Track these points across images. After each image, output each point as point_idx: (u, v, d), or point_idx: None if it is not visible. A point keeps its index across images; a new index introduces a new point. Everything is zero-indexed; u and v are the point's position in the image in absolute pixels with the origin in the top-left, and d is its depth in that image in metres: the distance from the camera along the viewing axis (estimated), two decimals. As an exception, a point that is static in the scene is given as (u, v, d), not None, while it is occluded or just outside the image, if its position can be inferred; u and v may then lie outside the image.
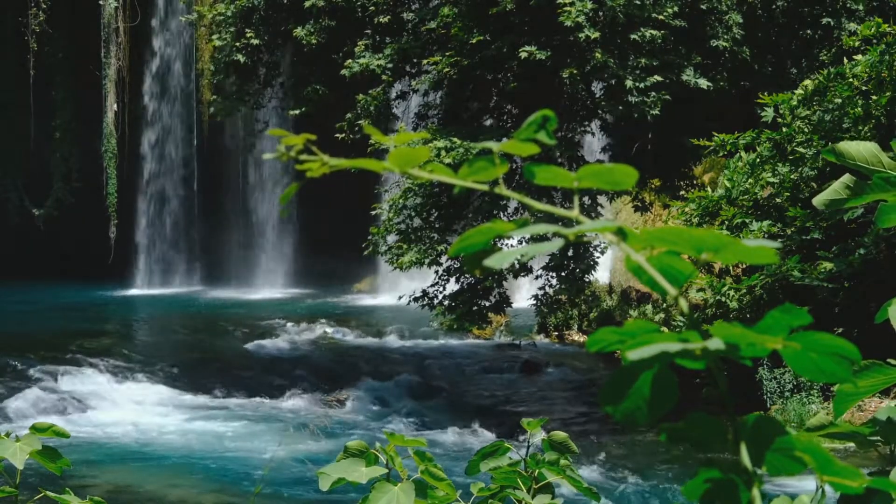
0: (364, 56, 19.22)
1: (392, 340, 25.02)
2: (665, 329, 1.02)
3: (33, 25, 35.57)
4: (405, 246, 18.09)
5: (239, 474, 14.34)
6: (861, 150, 1.71)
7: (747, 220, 14.99)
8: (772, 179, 15.20)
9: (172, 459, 15.34)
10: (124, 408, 18.38)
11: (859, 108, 14.75)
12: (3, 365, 20.15)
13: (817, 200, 1.76)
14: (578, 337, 25.13)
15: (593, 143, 22.92)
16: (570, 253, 18.79)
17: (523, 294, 24.97)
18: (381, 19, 19.79)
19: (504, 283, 19.21)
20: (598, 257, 19.15)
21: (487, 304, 18.94)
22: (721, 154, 16.42)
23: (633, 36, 17.22)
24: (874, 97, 14.73)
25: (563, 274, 19.10)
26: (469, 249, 1.01)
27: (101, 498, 2.52)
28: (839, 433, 1.59)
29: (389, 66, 19.11)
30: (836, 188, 1.71)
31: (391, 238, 18.59)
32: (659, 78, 17.12)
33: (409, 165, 1.04)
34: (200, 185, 37.54)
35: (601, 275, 23.64)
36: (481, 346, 24.62)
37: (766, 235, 14.77)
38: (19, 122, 36.75)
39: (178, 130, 37.38)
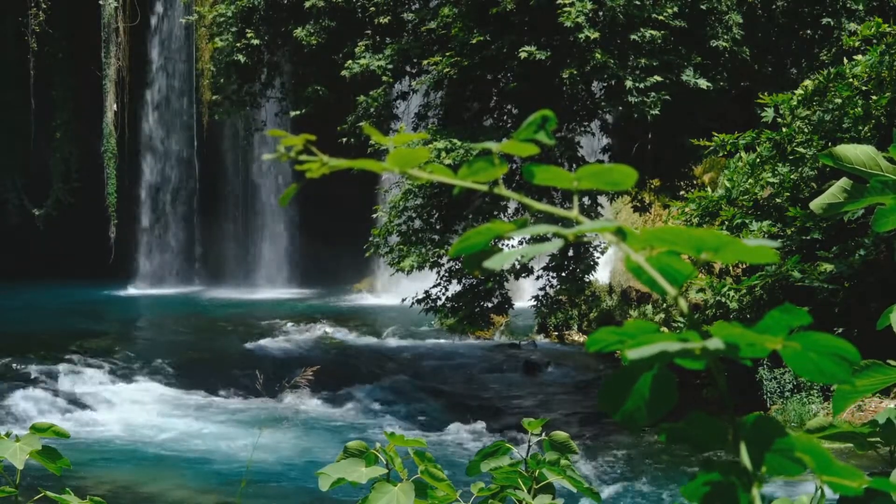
0: (364, 56, 19.22)
1: (392, 340, 25.02)
2: (665, 329, 1.02)
3: (33, 25, 35.57)
4: (405, 248, 18.09)
5: (238, 474, 14.34)
6: (859, 153, 1.71)
7: (747, 221, 14.99)
8: (772, 179, 15.20)
9: (172, 459, 15.34)
10: (124, 408, 18.38)
11: (859, 109, 14.74)
12: (3, 365, 20.15)
13: (814, 205, 1.76)
14: (578, 337, 25.13)
15: (593, 143, 22.92)
16: (570, 253, 18.80)
17: (524, 294, 24.98)
18: (381, 20, 19.79)
19: (505, 283, 19.21)
20: (598, 257, 19.15)
21: (490, 305, 18.94)
22: (721, 154, 16.42)
23: (632, 36, 17.22)
24: (874, 97, 14.73)
25: (563, 274, 19.10)
26: (469, 250, 1.01)
27: (101, 498, 2.52)
28: (839, 434, 1.59)
29: (390, 66, 19.11)
30: (834, 192, 1.71)
31: (392, 239, 18.60)
32: (659, 78, 17.12)
33: (409, 166, 1.04)
34: (200, 186, 37.56)
35: (601, 275, 23.65)
36: (482, 346, 24.63)
37: (766, 235, 14.77)
38: (19, 122, 36.75)
39: (178, 131, 37.39)
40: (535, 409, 18.47)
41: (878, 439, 1.58)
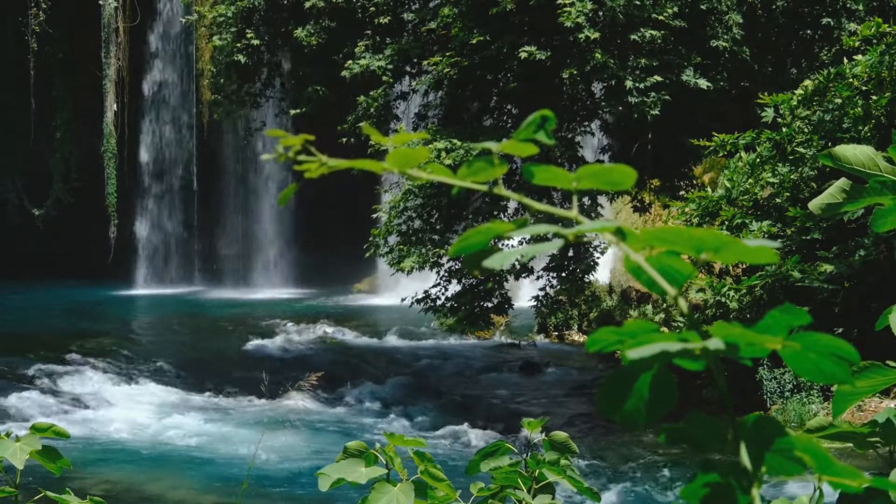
0: (364, 57, 19.22)
1: (392, 340, 25.02)
2: (665, 329, 1.02)
3: (33, 25, 35.58)
4: (405, 248, 18.09)
5: (238, 474, 14.34)
6: (857, 153, 1.71)
7: (747, 221, 14.98)
8: (772, 179, 15.19)
9: (172, 459, 15.34)
10: (124, 408, 18.38)
11: (859, 109, 14.74)
12: (3, 365, 20.15)
13: (813, 205, 1.76)
14: (578, 337, 25.13)
15: (593, 143, 22.92)
16: (570, 253, 18.80)
17: (524, 294, 24.98)
18: (381, 20, 19.79)
19: (505, 284, 19.21)
20: (598, 258, 19.15)
21: (490, 305, 18.93)
22: (721, 154, 16.42)
23: (633, 36, 17.22)
24: (874, 97, 14.72)
25: (563, 274, 19.10)
26: (469, 250, 1.01)
27: (100, 498, 2.52)
28: (839, 434, 1.59)
29: (390, 66, 19.11)
30: (833, 192, 1.71)
31: (392, 239, 18.59)
32: (659, 78, 17.11)
33: (409, 166, 1.04)
34: (200, 185, 37.55)
35: (601, 275, 23.64)
36: (481, 346, 24.63)
37: (766, 235, 14.77)
38: (19, 122, 36.74)
39: (178, 130, 37.39)
40: (535, 409, 18.47)
41: (878, 439, 1.57)
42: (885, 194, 1.62)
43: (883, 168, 1.69)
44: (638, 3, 17.08)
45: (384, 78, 19.14)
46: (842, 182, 1.70)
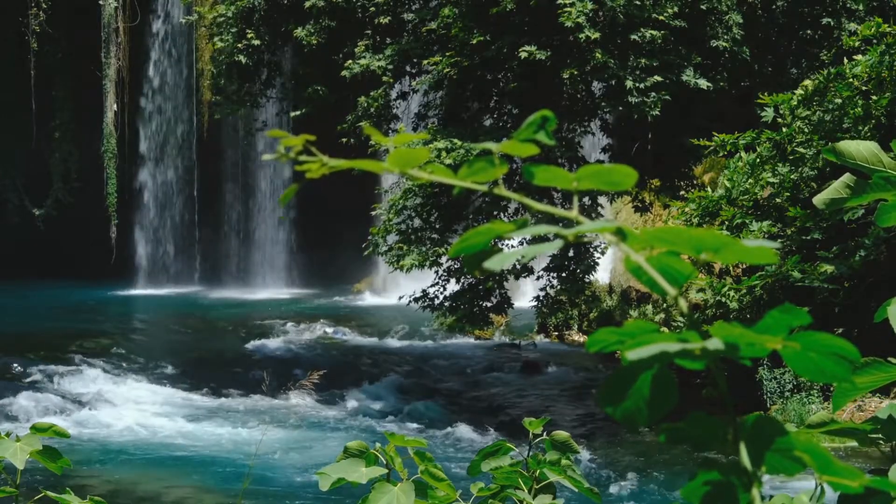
0: (364, 57, 19.22)
1: (392, 340, 25.02)
2: (665, 329, 1.02)
3: (33, 25, 35.57)
4: (405, 247, 18.08)
5: (238, 474, 14.34)
6: (861, 149, 1.72)
7: (747, 221, 14.97)
8: (772, 179, 15.19)
9: (172, 459, 15.34)
10: (124, 408, 18.37)
11: (859, 109, 14.73)
12: (3, 365, 20.15)
13: (818, 199, 1.76)
14: (578, 337, 25.13)
15: (593, 143, 22.91)
16: (570, 254, 18.80)
17: (524, 294, 24.98)
18: (381, 20, 19.79)
19: (505, 283, 19.21)
20: (598, 258, 19.15)
21: (489, 304, 18.94)
22: (721, 154, 16.41)
23: (633, 36, 17.22)
24: (874, 97, 14.72)
25: (563, 274, 19.10)
26: (469, 250, 1.01)
27: (101, 498, 2.52)
28: (840, 430, 1.59)
29: (390, 66, 19.11)
30: (837, 187, 1.72)
31: (391, 238, 18.58)
32: (659, 78, 17.11)
33: (409, 166, 1.04)
34: (200, 185, 37.55)
35: (601, 275, 23.65)
36: (481, 346, 24.63)
37: (766, 235, 14.76)
38: (19, 122, 36.74)
39: (178, 130, 37.39)
40: (536, 409, 18.46)
41: (880, 436, 1.58)
42: (888, 190, 1.63)
43: (886, 164, 1.69)
44: (638, 3, 17.08)
45: (384, 78, 19.13)
46: (846, 177, 1.71)
